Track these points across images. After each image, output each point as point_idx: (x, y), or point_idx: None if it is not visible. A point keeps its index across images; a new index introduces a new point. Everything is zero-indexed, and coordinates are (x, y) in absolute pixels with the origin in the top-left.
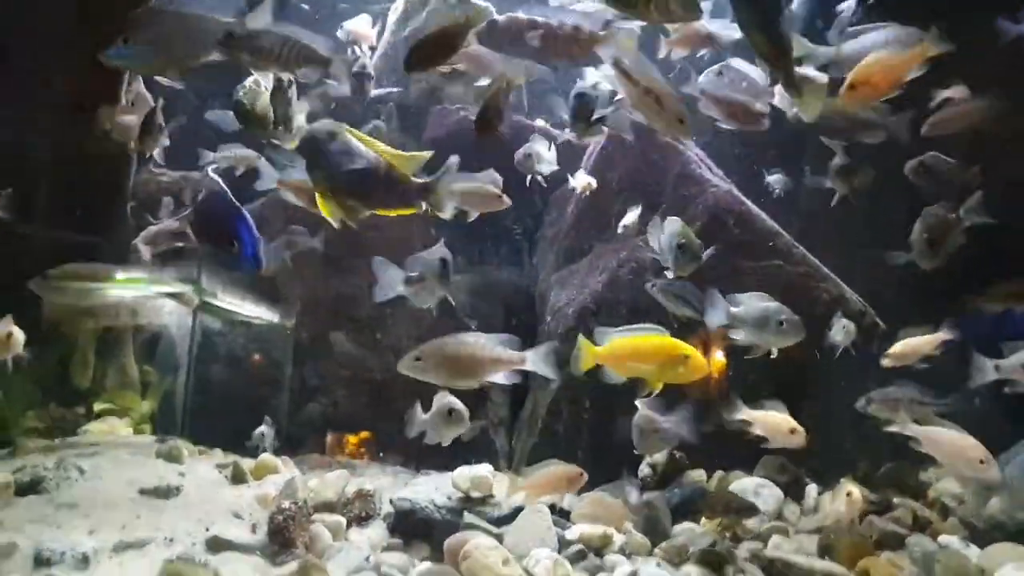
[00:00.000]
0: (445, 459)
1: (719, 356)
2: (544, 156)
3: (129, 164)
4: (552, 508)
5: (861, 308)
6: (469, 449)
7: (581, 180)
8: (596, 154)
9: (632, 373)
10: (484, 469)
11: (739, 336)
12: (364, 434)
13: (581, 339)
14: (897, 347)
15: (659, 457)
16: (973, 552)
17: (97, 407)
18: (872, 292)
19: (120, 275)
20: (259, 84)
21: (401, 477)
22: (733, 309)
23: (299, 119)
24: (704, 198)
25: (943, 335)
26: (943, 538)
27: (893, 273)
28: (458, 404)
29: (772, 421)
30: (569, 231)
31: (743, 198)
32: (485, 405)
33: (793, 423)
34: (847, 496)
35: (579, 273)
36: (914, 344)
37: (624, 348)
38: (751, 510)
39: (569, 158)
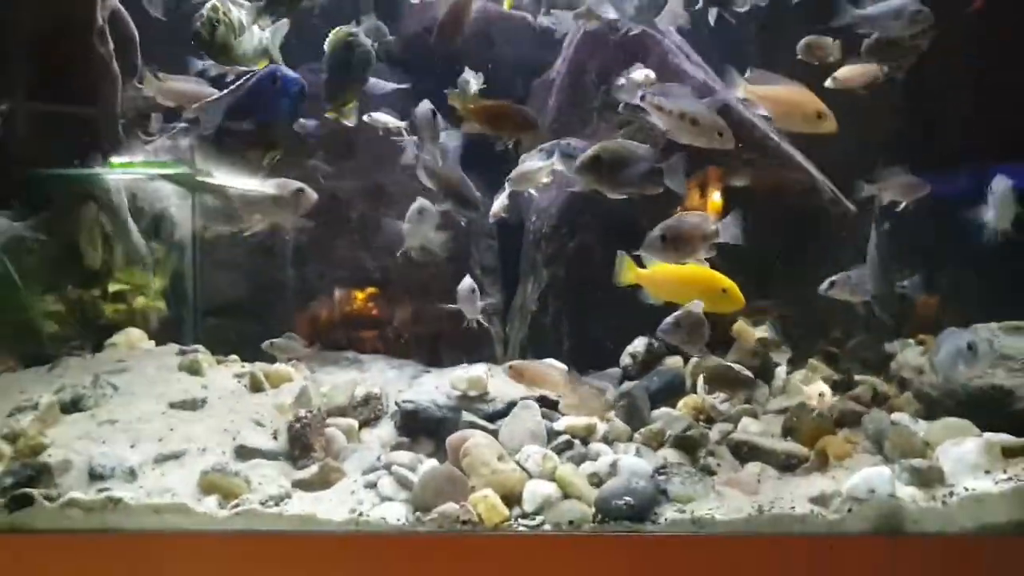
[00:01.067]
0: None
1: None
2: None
3: (115, 82)
4: (542, 400)
5: (833, 196)
6: (469, 340)
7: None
8: (574, 45)
9: (670, 297)
10: (479, 369)
11: None
12: (371, 289)
13: (623, 257)
14: None
15: (639, 347)
16: (922, 427)
17: (112, 287)
18: None
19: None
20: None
21: (406, 371)
22: None
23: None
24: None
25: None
26: (896, 415)
27: None
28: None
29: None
30: (551, 125)
31: (718, 90)
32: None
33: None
34: (819, 396)
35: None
36: None
37: (665, 275)
38: (749, 382)
39: (548, 47)
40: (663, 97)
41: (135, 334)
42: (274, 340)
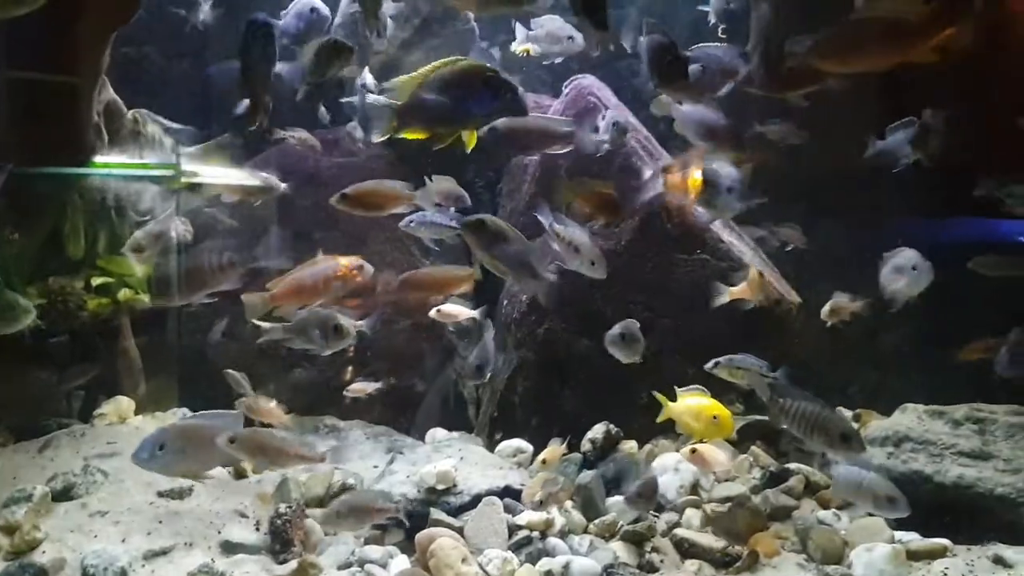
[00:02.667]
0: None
1: None
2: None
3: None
4: (506, 490)
5: (777, 297)
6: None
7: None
8: None
9: (686, 430)
10: (447, 464)
11: None
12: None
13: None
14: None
15: (598, 433)
16: (844, 523)
17: (95, 281)
18: None
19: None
20: None
21: (382, 442)
22: None
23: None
24: (641, 194)
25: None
26: (822, 513)
27: None
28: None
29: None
30: (525, 211)
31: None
32: (452, 360)
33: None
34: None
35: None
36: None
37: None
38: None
39: None
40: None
41: (123, 404)
42: (249, 403)
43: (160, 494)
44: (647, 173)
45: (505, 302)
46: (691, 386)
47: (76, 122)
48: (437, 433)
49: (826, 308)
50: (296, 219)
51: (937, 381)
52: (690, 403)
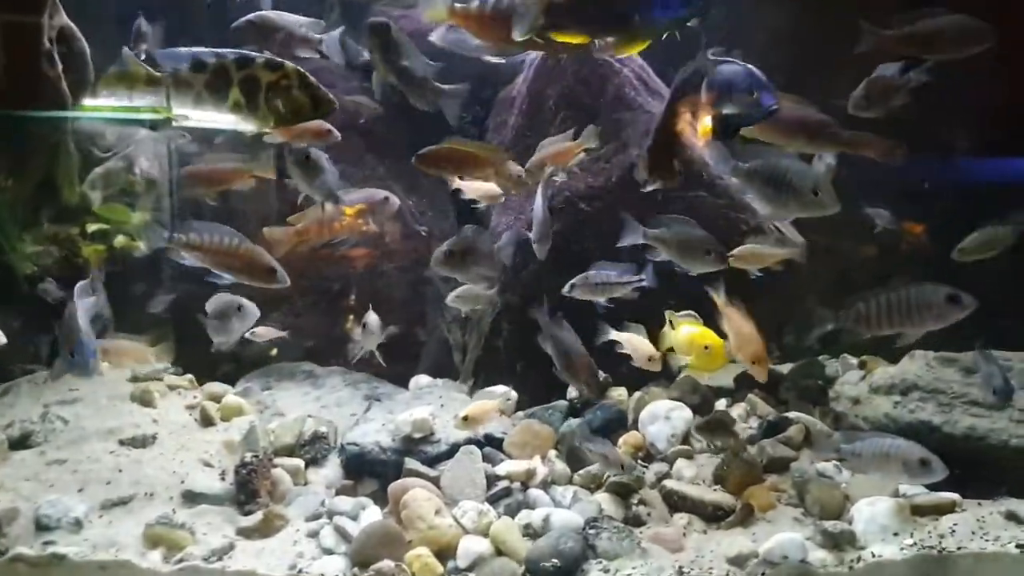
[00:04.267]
0: (408, 366)
1: None
2: None
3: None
4: (486, 439)
5: (779, 236)
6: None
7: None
8: (533, 71)
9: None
10: (424, 411)
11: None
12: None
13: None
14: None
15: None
16: (845, 477)
17: (91, 228)
18: None
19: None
20: None
21: (361, 389)
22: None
23: None
24: (636, 125)
25: None
26: (822, 464)
27: None
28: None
29: (638, 347)
30: (511, 147)
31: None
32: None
33: (651, 351)
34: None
35: (516, 197)
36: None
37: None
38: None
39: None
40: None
41: None
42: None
43: (122, 442)
44: (645, 104)
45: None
46: (683, 312)
47: (24, 50)
48: (420, 380)
49: None
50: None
51: (949, 327)
52: (685, 332)
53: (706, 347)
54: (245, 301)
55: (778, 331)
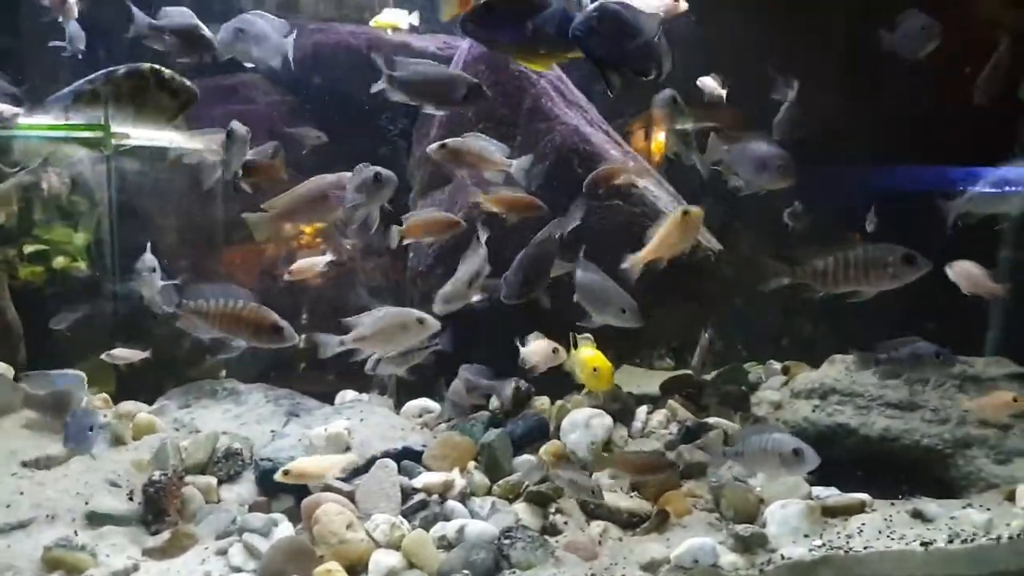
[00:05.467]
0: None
1: None
2: None
3: None
4: (405, 452)
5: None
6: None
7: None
8: None
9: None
10: (340, 425)
11: None
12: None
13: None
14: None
15: (507, 390)
16: (760, 481)
17: (28, 249)
18: None
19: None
20: None
21: (283, 406)
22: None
23: None
24: (552, 136)
25: None
26: (737, 470)
27: None
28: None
29: (538, 349)
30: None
31: (589, 135)
32: None
33: (552, 345)
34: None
35: (441, 207)
36: None
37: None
38: (671, 467)
39: None
40: None
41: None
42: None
43: (24, 464)
44: (562, 115)
45: (411, 254)
46: (584, 335)
47: None
48: (347, 395)
49: None
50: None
51: (871, 332)
52: (581, 354)
53: (595, 369)
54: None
55: (710, 339)
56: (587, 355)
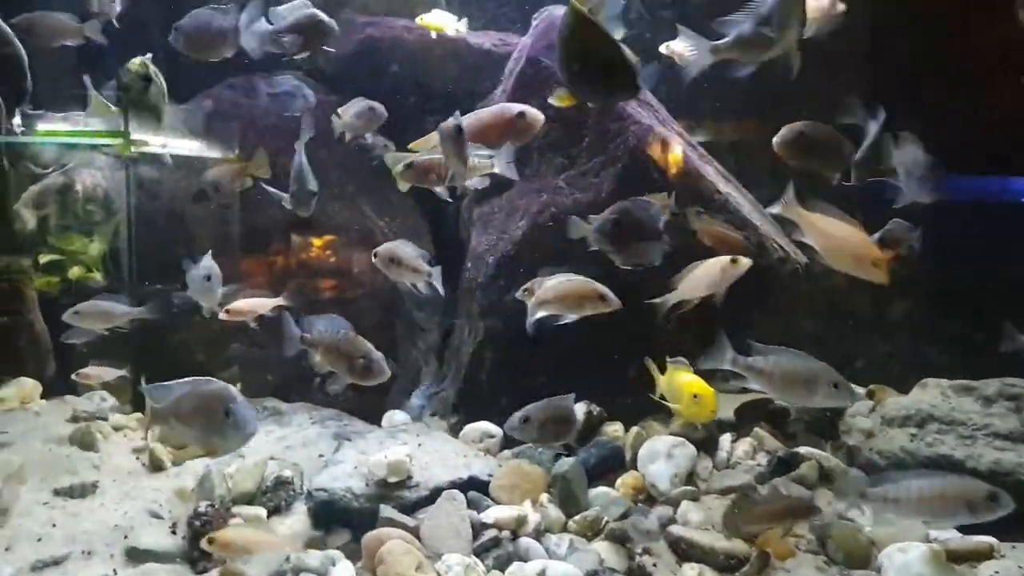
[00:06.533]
0: (376, 397)
1: None
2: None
3: None
4: (470, 482)
5: (782, 255)
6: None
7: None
8: (515, 77)
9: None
10: (401, 452)
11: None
12: None
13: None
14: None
15: (577, 413)
16: (868, 520)
17: (43, 259)
18: None
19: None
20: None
21: (329, 427)
22: None
23: None
24: (624, 137)
25: None
26: (841, 506)
27: None
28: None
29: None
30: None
31: (668, 135)
32: (414, 334)
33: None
34: None
35: (500, 214)
36: None
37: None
38: (811, 510)
39: (487, 71)
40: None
41: (28, 386)
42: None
43: (57, 492)
44: (630, 114)
45: (469, 264)
46: (676, 359)
47: None
48: (395, 416)
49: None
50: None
51: (954, 354)
52: (676, 378)
53: (695, 396)
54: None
55: None
56: (686, 380)
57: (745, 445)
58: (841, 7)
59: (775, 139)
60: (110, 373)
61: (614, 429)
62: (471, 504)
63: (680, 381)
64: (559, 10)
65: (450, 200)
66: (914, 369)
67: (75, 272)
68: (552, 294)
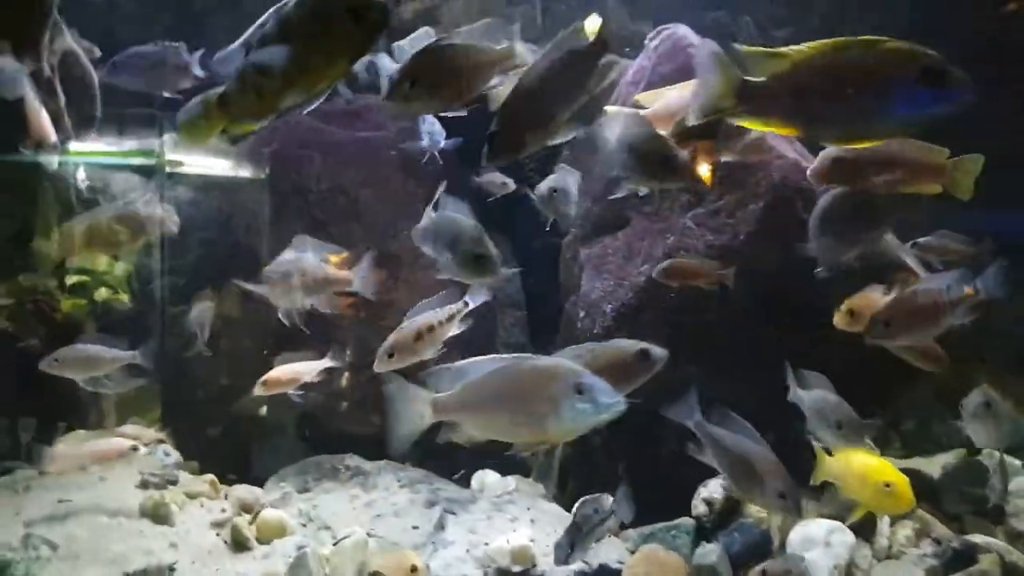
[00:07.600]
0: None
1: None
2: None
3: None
4: (601, 572)
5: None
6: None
7: None
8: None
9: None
10: (523, 536)
11: None
12: None
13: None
14: None
15: (715, 492)
16: None
17: (70, 279)
18: None
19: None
20: None
21: (421, 494)
22: None
23: None
24: (767, 172)
25: None
26: None
27: None
28: None
29: None
30: (601, 195)
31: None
32: None
33: None
34: None
35: (615, 256)
36: None
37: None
38: None
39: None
40: None
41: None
42: None
43: (128, 575)
44: (772, 146)
45: (582, 314)
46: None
47: None
48: (487, 478)
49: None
50: (307, 206)
51: None
52: (854, 460)
53: (887, 485)
54: None
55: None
56: (869, 464)
57: (907, 529)
58: None
59: None
60: (148, 436)
61: (757, 509)
62: None
63: (862, 465)
64: (682, 29)
65: None
66: None
67: (102, 294)
68: None
